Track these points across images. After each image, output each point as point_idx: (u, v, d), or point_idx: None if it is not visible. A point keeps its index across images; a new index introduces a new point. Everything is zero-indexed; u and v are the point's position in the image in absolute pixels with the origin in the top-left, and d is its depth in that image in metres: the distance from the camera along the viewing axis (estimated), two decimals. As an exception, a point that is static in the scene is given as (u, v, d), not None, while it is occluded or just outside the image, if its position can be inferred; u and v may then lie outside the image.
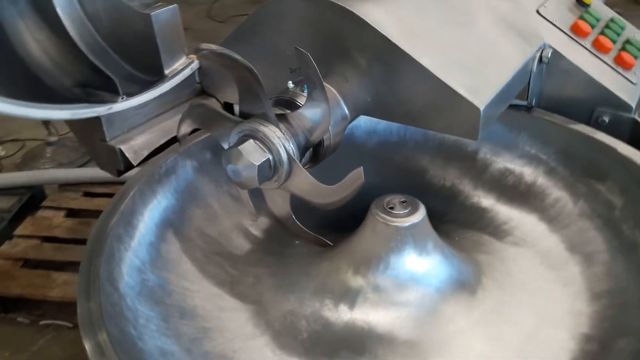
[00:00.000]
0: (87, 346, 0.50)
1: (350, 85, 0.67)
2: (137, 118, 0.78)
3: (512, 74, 0.68)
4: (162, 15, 0.77)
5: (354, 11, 0.63)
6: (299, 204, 0.68)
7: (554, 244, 0.68)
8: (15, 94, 0.62)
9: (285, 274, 0.66)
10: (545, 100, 0.80)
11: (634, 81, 0.81)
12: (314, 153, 0.68)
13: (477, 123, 0.61)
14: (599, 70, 0.80)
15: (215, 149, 0.76)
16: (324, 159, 0.69)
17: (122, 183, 1.58)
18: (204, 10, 2.97)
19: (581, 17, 0.85)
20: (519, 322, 0.59)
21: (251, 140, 0.61)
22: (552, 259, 0.67)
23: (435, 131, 0.66)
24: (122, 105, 0.73)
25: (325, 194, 0.62)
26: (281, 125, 0.62)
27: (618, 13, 0.94)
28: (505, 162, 0.79)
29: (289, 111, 0.65)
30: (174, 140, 0.78)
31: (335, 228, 0.73)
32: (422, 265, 0.61)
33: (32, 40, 0.73)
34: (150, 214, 0.66)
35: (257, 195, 0.72)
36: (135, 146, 0.76)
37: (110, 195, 1.53)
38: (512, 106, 0.74)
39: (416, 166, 0.83)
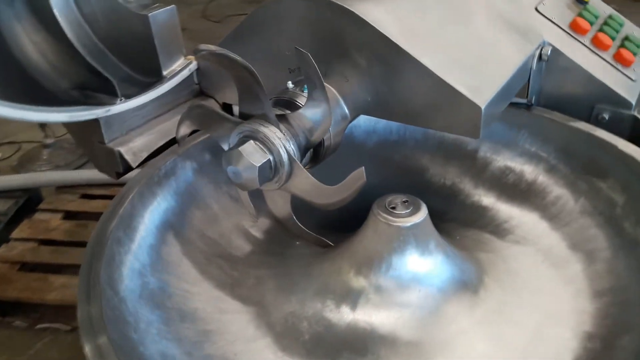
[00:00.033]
0: (88, 350, 0.49)
1: (350, 85, 0.67)
2: (135, 120, 0.77)
3: (512, 72, 0.67)
4: (160, 16, 0.76)
5: (354, 10, 0.63)
6: (299, 205, 0.68)
7: (555, 242, 0.68)
8: (12, 96, 0.62)
9: (286, 275, 0.66)
10: (545, 98, 0.80)
11: (633, 78, 0.81)
12: (315, 153, 0.67)
13: (479, 122, 0.61)
14: (598, 67, 0.80)
15: (215, 150, 0.76)
16: (325, 159, 0.68)
17: (120, 185, 1.57)
18: (199, 11, 2.96)
19: (580, 15, 0.85)
20: (522, 321, 0.59)
21: (251, 141, 0.61)
22: (553, 257, 0.67)
23: (436, 130, 0.66)
24: (121, 107, 0.72)
25: (327, 194, 0.61)
26: (281, 126, 0.62)
27: (615, 10, 0.94)
28: (505, 161, 0.79)
29: (289, 111, 0.65)
30: (173, 141, 0.77)
31: (335, 228, 0.73)
32: (424, 265, 0.60)
33: (29, 43, 0.73)
34: (150, 217, 0.66)
35: (257, 196, 0.71)
36: (134, 148, 0.75)
37: (108, 197, 1.53)
38: (511, 104, 0.74)
39: (416, 165, 0.83)
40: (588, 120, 0.78)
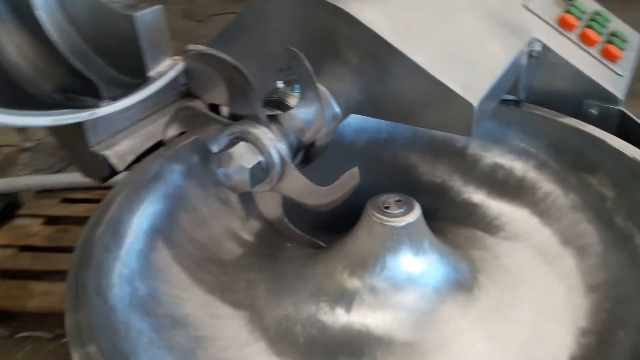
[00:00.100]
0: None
1: (341, 84, 0.66)
2: (121, 122, 0.76)
3: (503, 69, 0.67)
4: (146, 17, 0.75)
5: (345, 8, 0.62)
6: (289, 206, 0.67)
7: (547, 237, 0.68)
8: (-7, 101, 0.60)
9: (278, 278, 0.65)
10: (533, 94, 0.80)
11: (620, 73, 0.82)
12: (306, 154, 0.67)
13: (471, 119, 0.60)
14: (586, 63, 0.80)
15: (203, 152, 0.74)
16: (316, 159, 0.68)
17: (101, 188, 1.55)
18: (181, 10, 2.93)
19: (567, 11, 0.85)
20: (517, 319, 0.59)
21: (242, 143, 0.60)
22: (545, 253, 0.67)
23: (428, 128, 0.65)
24: (106, 109, 0.71)
25: (319, 195, 0.60)
26: (272, 127, 0.61)
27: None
28: (495, 157, 0.78)
29: (280, 112, 0.64)
30: (160, 144, 0.76)
31: (327, 229, 0.72)
32: (418, 265, 0.60)
33: (11, 44, 0.71)
34: (138, 222, 0.64)
35: (246, 198, 0.70)
36: (120, 151, 0.74)
37: (90, 201, 1.50)
38: (500, 101, 0.74)
39: (406, 163, 0.83)
40: (576, 115, 0.78)
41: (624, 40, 0.88)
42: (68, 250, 1.34)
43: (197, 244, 0.68)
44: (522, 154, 0.76)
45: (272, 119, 0.62)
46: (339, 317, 0.59)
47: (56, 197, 1.52)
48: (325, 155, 0.68)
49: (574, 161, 0.71)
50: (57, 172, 1.72)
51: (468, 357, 0.56)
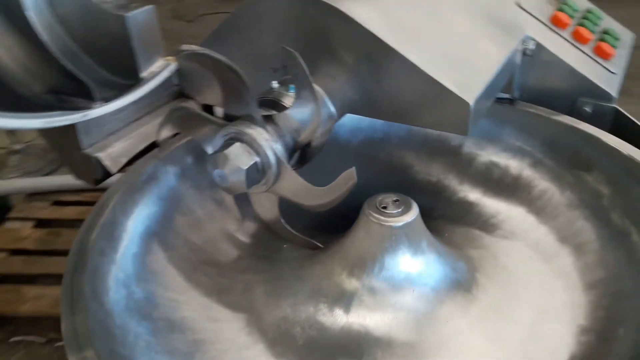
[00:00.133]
0: None
1: (336, 84, 0.66)
2: (114, 124, 0.75)
3: (498, 68, 0.67)
4: (138, 17, 0.74)
5: (340, 7, 0.62)
6: (284, 207, 0.67)
7: (544, 235, 0.68)
8: (-18, 103, 0.59)
9: (276, 280, 0.65)
10: (527, 92, 0.80)
11: (613, 71, 0.82)
12: (302, 154, 0.66)
13: (467, 118, 0.60)
14: (579, 60, 0.80)
15: (197, 153, 0.74)
16: (311, 159, 0.67)
17: (93, 190, 1.54)
18: (170, 10, 2.92)
19: (560, 9, 0.86)
20: (516, 317, 0.59)
21: (237, 144, 0.59)
22: (543, 251, 0.67)
23: (424, 128, 0.65)
24: (99, 111, 0.70)
25: (316, 195, 0.60)
26: (268, 127, 0.61)
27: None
28: (490, 156, 0.78)
29: (275, 112, 0.63)
30: (153, 146, 0.75)
31: (323, 229, 0.72)
32: (417, 264, 0.60)
33: (0, 46, 0.70)
34: (133, 225, 0.63)
35: (242, 199, 0.70)
36: (113, 154, 0.73)
37: (81, 203, 1.49)
38: (495, 99, 0.74)
39: (401, 162, 0.82)
40: (570, 113, 0.78)
41: (616, 38, 0.88)
42: (60, 253, 1.35)
43: (192, 246, 0.68)
44: (517, 152, 0.76)
45: (268, 119, 0.61)
46: (338, 318, 0.58)
47: (47, 200, 1.51)
48: (320, 155, 0.67)
49: (570, 159, 0.71)
50: (47, 174, 1.71)
51: (468, 357, 0.56)
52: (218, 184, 0.61)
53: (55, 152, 0.83)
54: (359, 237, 0.61)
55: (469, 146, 0.80)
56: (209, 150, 0.65)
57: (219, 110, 0.82)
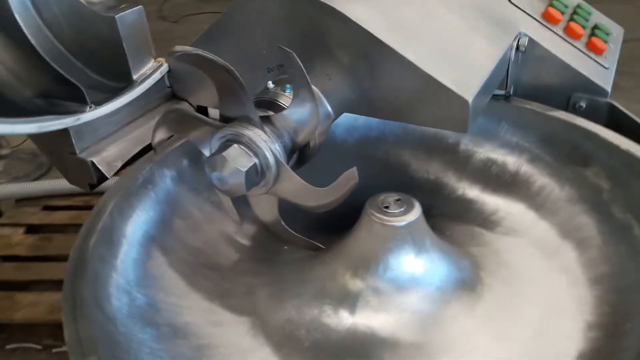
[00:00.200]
0: None
1: (333, 83, 0.65)
2: (107, 128, 0.74)
3: (494, 64, 0.67)
4: (128, 18, 0.73)
5: (335, 6, 0.61)
6: (282, 208, 0.66)
7: (545, 231, 0.68)
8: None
9: (278, 282, 0.64)
10: (522, 89, 0.80)
11: (606, 65, 0.82)
12: (300, 155, 0.66)
13: (467, 115, 0.60)
14: (572, 56, 0.80)
15: (193, 155, 0.73)
16: (309, 160, 0.67)
17: (83, 194, 1.52)
18: (154, 11, 2.89)
19: (551, 5, 0.86)
20: (523, 315, 0.59)
21: (235, 145, 0.59)
22: (545, 247, 0.67)
23: (424, 126, 0.65)
24: (91, 114, 0.69)
25: (317, 196, 0.60)
26: (266, 128, 0.60)
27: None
28: (487, 152, 0.78)
29: (272, 112, 0.63)
30: (147, 148, 0.74)
31: (321, 230, 0.71)
32: (421, 264, 0.59)
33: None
34: (131, 230, 0.62)
35: (240, 202, 0.69)
36: (107, 157, 0.72)
37: (71, 208, 1.48)
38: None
39: (398, 161, 0.82)
40: (565, 109, 0.78)
41: (607, 33, 0.89)
42: (52, 259, 1.33)
43: (192, 250, 0.67)
44: (514, 148, 0.76)
45: (265, 120, 0.61)
46: (344, 320, 0.58)
47: (37, 205, 1.49)
48: (316, 155, 0.67)
49: (568, 154, 0.71)
50: (36, 179, 1.68)
51: (475, 357, 0.55)
52: (217, 186, 0.60)
53: (47, 157, 0.82)
54: (362, 238, 0.61)
55: (466, 143, 0.79)
56: (206, 152, 0.64)
57: (213, 112, 0.82)
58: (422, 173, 0.81)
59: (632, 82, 1.93)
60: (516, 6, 0.83)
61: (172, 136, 0.70)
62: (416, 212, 0.60)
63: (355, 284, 0.59)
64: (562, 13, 0.86)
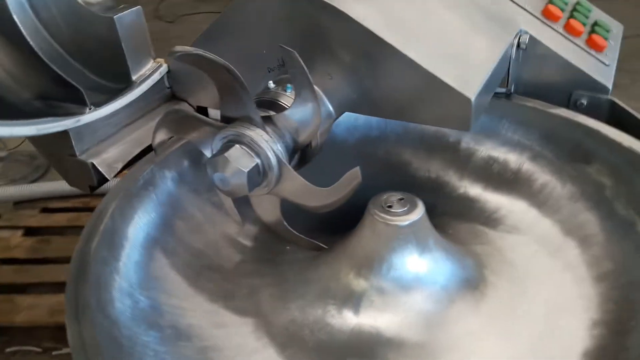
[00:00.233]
0: None
1: (334, 82, 0.65)
2: (106, 129, 0.73)
3: (495, 62, 0.67)
4: (126, 18, 0.73)
5: (336, 5, 0.61)
6: (284, 208, 0.66)
7: (548, 229, 0.68)
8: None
9: (281, 283, 0.64)
10: (523, 86, 0.80)
11: (606, 62, 0.82)
12: (302, 155, 0.65)
13: (469, 114, 0.60)
14: (573, 53, 0.80)
15: (193, 156, 0.73)
16: (311, 160, 0.66)
17: (81, 196, 1.51)
18: (151, 11, 2.89)
19: (551, 2, 0.86)
20: (527, 313, 0.59)
21: (237, 146, 0.58)
22: (548, 245, 0.66)
23: (425, 124, 0.65)
24: (91, 116, 0.68)
25: (319, 196, 0.59)
26: (267, 128, 0.60)
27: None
28: (488, 150, 0.78)
29: (273, 112, 0.62)
30: (148, 150, 0.74)
31: (323, 230, 0.71)
32: (425, 263, 0.59)
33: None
34: (134, 232, 0.62)
35: (241, 202, 0.69)
36: (108, 159, 0.71)
37: (70, 210, 1.47)
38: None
39: (399, 160, 0.82)
40: (567, 106, 0.78)
41: (606, 30, 0.89)
42: (51, 261, 1.33)
43: (194, 252, 0.67)
44: (516, 146, 0.76)
45: (266, 120, 0.60)
46: (348, 320, 0.58)
47: (35, 207, 1.49)
48: (319, 155, 0.67)
49: (569, 152, 0.71)
50: (33, 181, 1.68)
51: (480, 356, 0.55)
52: (219, 187, 0.60)
53: (46, 160, 0.81)
54: (365, 237, 0.61)
55: (467, 142, 0.79)
56: (207, 153, 0.63)
57: (213, 112, 0.81)
58: (424, 172, 0.80)
59: (628, 79, 1.94)
60: (516, 3, 0.82)
61: (172, 137, 0.70)
62: (419, 211, 0.60)
63: (359, 283, 0.59)
64: (562, 10, 0.86)
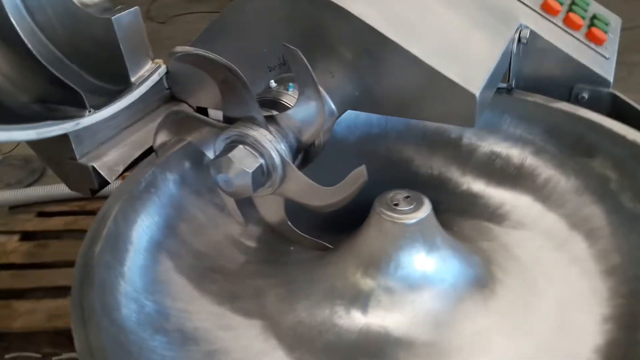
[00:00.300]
0: None
1: (336, 80, 0.64)
2: (106, 132, 0.73)
3: (498, 57, 0.67)
4: (124, 19, 0.72)
5: (337, 2, 0.61)
6: (287, 208, 0.65)
7: (553, 223, 0.68)
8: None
9: (287, 283, 0.63)
10: (524, 81, 0.80)
11: (606, 56, 0.82)
12: (305, 154, 0.65)
13: (474, 110, 0.59)
14: (573, 47, 0.80)
15: (194, 157, 0.72)
16: (314, 159, 0.66)
17: (78, 200, 1.50)
18: (142, 12, 2.86)
19: (549, -5, 0.85)
20: (537, 309, 0.58)
21: (241, 146, 0.58)
22: (554, 239, 0.66)
23: (429, 121, 0.64)
24: (91, 118, 0.67)
25: (324, 195, 0.59)
26: (270, 128, 0.59)
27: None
28: (490, 146, 0.78)
29: (275, 112, 0.62)
30: (148, 152, 0.73)
31: (326, 230, 0.70)
32: (433, 261, 0.59)
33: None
34: (137, 235, 0.61)
35: (244, 203, 0.68)
36: (108, 162, 0.70)
37: (66, 213, 1.46)
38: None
39: (401, 157, 0.81)
40: (568, 100, 0.78)
41: (606, 23, 0.89)
42: (49, 265, 1.32)
43: (198, 254, 0.66)
44: (518, 140, 0.76)
45: (269, 119, 0.60)
46: (356, 320, 0.57)
47: (31, 212, 1.48)
48: (320, 154, 0.66)
49: (573, 146, 0.71)
50: (28, 185, 1.66)
51: (491, 354, 0.55)
52: (222, 188, 0.59)
53: (45, 164, 0.80)
54: (371, 236, 0.60)
55: (469, 137, 0.79)
56: (210, 154, 0.63)
57: (213, 113, 0.81)
58: (426, 169, 0.80)
59: (625, 72, 1.95)
60: (515, -2, 0.82)
61: (172, 139, 0.69)
62: (426, 209, 0.60)
63: (366, 283, 0.58)
64: (561, 4, 0.85)
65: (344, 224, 0.66)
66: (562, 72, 0.79)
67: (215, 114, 0.78)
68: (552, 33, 0.80)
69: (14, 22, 0.66)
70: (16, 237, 1.40)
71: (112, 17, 0.71)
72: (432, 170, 0.80)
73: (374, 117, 0.82)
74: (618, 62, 0.85)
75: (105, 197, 0.67)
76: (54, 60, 0.75)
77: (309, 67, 0.56)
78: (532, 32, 0.77)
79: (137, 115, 0.77)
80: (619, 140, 0.67)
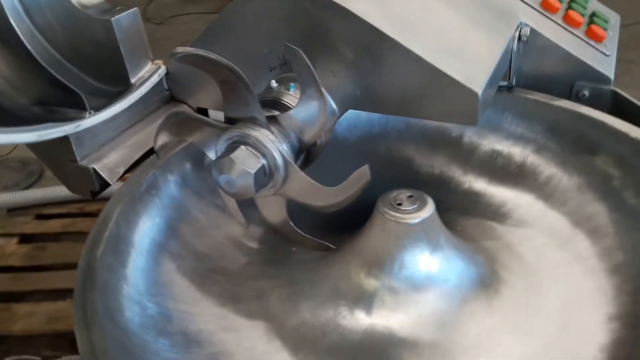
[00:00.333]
0: None
1: (337, 80, 0.64)
2: (106, 133, 0.72)
3: (499, 55, 0.67)
4: (124, 20, 0.71)
5: (337, 1, 0.60)
6: (289, 208, 0.65)
7: (556, 221, 0.68)
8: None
9: (290, 284, 0.63)
10: (524, 79, 0.80)
11: (607, 53, 0.82)
12: (306, 154, 0.65)
13: (476, 108, 0.59)
14: (573, 44, 0.80)
15: (195, 159, 0.72)
16: (315, 159, 0.66)
17: (76, 202, 1.50)
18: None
19: (549, -7, 0.85)
20: (542, 309, 0.58)
21: (243, 147, 0.58)
22: (557, 238, 0.66)
23: (431, 120, 0.64)
24: (91, 120, 0.67)
25: (327, 195, 0.59)
26: (272, 128, 0.59)
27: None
28: (492, 144, 0.78)
29: (277, 112, 0.62)
30: (149, 153, 0.73)
31: (328, 230, 0.70)
32: (437, 261, 0.59)
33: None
34: (139, 237, 0.61)
35: (245, 204, 0.68)
36: (109, 164, 0.70)
37: (64, 216, 1.46)
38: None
39: (402, 157, 0.81)
40: (569, 97, 0.78)
41: (605, 20, 0.89)
42: (47, 268, 1.31)
43: (200, 255, 0.66)
44: (519, 139, 0.76)
45: (271, 120, 0.60)
46: (360, 321, 0.57)
47: (29, 214, 1.47)
48: (321, 154, 0.66)
49: (574, 143, 0.71)
50: (26, 188, 1.66)
51: (497, 354, 0.55)
52: (225, 189, 0.59)
53: (45, 166, 0.80)
54: (375, 236, 0.60)
55: (470, 136, 0.79)
56: (211, 155, 0.63)
57: (213, 114, 0.80)
58: (427, 168, 0.80)
59: (621, 69, 1.94)
60: (514, -4, 0.82)
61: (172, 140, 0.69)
62: (430, 208, 0.59)
63: (370, 283, 0.58)
64: (561, 1, 0.85)
65: (346, 224, 0.66)
66: (562, 69, 0.79)
67: (215, 115, 0.78)
68: (552, 31, 0.80)
69: (13, 25, 0.66)
70: (15, 240, 1.39)
71: (112, 19, 0.70)
72: (433, 169, 0.79)
73: (374, 116, 0.81)
74: (616, 59, 0.85)
75: (104, 199, 0.67)
76: (53, 62, 0.75)
77: (311, 66, 0.56)
78: (532, 30, 0.77)
79: (137, 117, 0.76)
80: (621, 137, 0.67)
